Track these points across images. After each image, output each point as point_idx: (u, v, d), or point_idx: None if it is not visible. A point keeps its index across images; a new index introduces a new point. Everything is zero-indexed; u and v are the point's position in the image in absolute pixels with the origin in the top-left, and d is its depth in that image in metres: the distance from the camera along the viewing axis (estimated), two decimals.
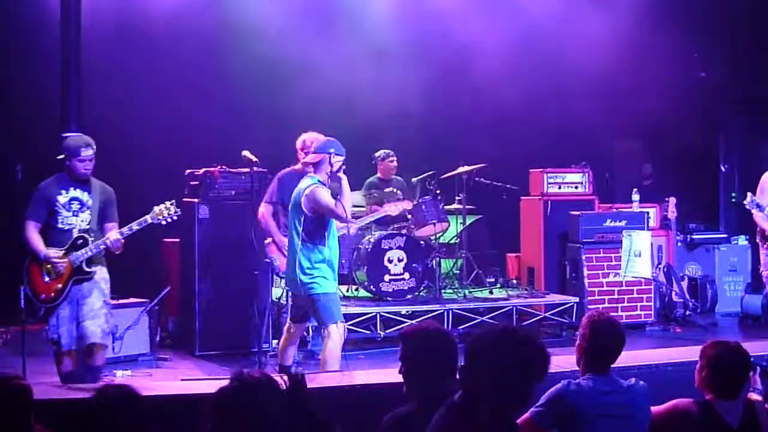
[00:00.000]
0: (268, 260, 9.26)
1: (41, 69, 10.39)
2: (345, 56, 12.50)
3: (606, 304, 10.92)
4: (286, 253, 8.77)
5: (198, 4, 12.03)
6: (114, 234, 7.38)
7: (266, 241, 9.26)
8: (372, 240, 10.41)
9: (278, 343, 8.66)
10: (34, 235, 7.38)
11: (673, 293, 11.37)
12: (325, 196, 7.72)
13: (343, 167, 7.91)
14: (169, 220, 7.65)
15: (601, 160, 12.79)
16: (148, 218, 7.55)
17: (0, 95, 11.10)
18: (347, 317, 8.54)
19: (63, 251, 7.35)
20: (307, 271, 7.73)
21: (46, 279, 7.36)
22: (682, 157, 13.81)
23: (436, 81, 13.02)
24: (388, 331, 10.04)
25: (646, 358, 7.31)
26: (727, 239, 12.77)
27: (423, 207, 10.57)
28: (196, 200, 9.79)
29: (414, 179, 11.42)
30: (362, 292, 10.77)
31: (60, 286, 7.33)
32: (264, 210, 9.19)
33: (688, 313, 11.38)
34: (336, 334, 7.71)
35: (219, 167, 9.92)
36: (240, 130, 11.46)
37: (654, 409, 4.88)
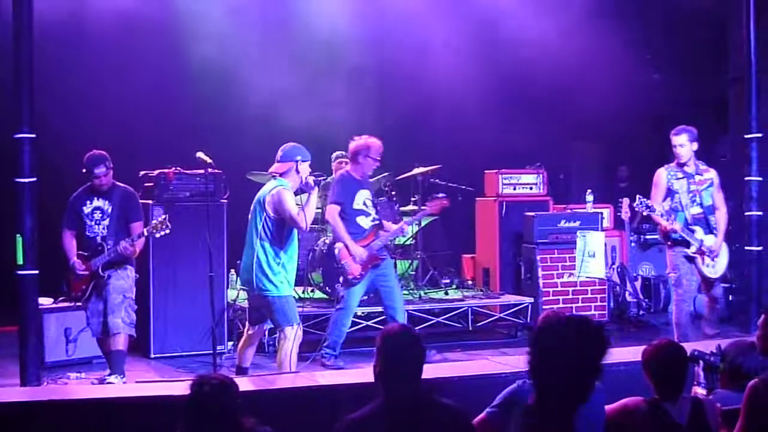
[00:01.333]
0: (339, 266, 9.20)
1: None
2: (299, 58, 12.48)
3: (560, 304, 11.01)
4: (357, 258, 8.83)
5: (152, 5, 11.94)
6: (123, 243, 8.23)
7: (336, 245, 9.21)
8: (327, 241, 10.38)
9: (234, 345, 8.63)
10: (67, 242, 8.42)
11: (627, 293, 11.46)
12: (290, 201, 7.71)
13: (321, 179, 7.94)
14: (163, 233, 8.33)
15: (555, 161, 12.85)
16: (145, 231, 8.35)
17: None
18: (303, 319, 8.53)
19: (87, 256, 8.32)
20: (265, 272, 7.73)
21: (77, 281, 8.40)
22: (636, 158, 13.90)
23: (391, 82, 13.03)
24: None
25: None
26: None
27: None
28: (150, 202, 9.73)
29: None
30: (318, 294, 10.75)
31: (84, 287, 8.38)
32: (332, 211, 9.20)
33: (641, 312, 11.48)
34: (292, 336, 7.72)
35: (173, 168, 9.87)
36: (194, 131, 11.42)
37: (605, 407, 4.91)
